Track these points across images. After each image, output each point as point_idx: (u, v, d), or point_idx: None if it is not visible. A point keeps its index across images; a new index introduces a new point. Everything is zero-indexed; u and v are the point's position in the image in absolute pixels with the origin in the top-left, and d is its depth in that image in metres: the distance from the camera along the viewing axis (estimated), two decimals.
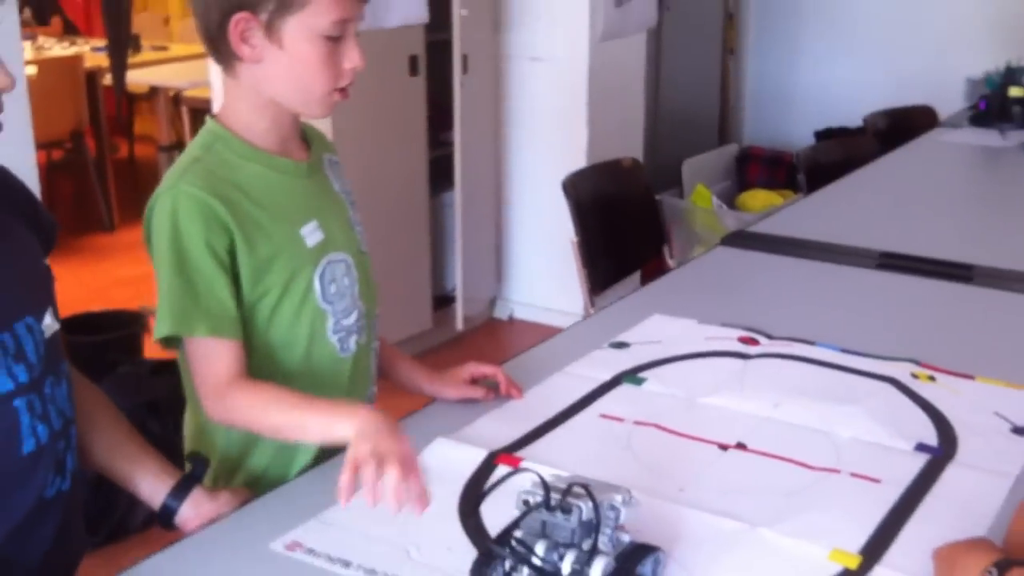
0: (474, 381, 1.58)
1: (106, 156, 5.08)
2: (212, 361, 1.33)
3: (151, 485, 1.33)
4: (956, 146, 3.31)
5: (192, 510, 1.32)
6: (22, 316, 1.18)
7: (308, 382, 1.41)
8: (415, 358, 1.67)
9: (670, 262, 3.13)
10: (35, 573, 1.20)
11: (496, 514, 1.20)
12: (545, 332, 3.93)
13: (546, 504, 1.10)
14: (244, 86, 1.37)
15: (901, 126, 3.55)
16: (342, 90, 1.37)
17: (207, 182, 1.32)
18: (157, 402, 2.65)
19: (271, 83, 1.36)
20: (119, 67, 3.03)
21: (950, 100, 4.33)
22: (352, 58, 1.35)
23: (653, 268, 3.39)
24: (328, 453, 1.41)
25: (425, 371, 1.61)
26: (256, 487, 1.41)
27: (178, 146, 3.98)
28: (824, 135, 4.89)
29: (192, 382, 1.37)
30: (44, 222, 1.30)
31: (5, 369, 1.15)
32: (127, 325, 3.23)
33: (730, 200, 4.63)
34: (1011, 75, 3.41)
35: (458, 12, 3.48)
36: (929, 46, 4.86)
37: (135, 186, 5.93)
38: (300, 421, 1.31)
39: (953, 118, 3.71)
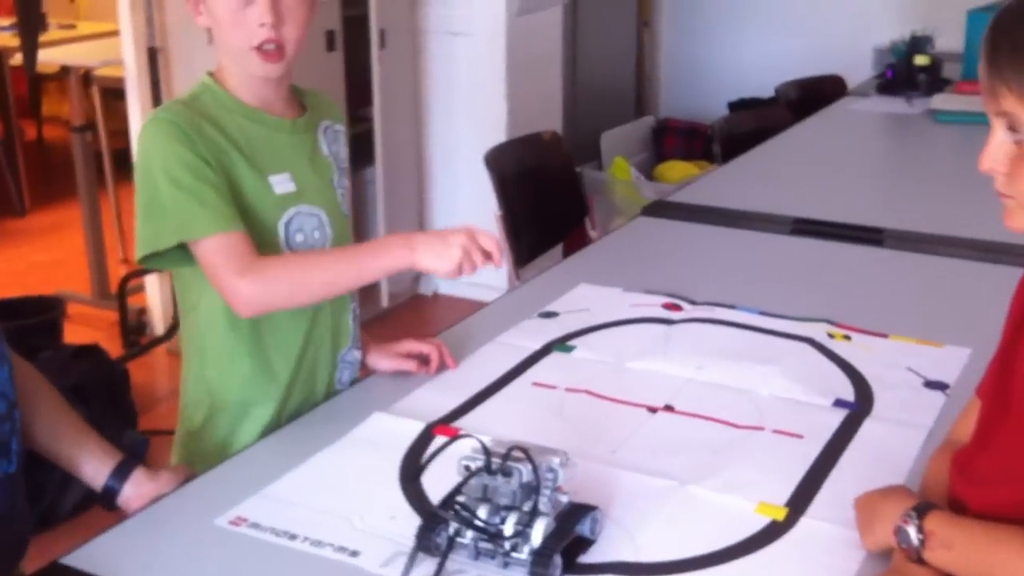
0: (411, 353, 1.61)
1: (15, 139, 4.96)
2: (232, 251, 1.37)
3: (93, 467, 1.33)
4: (865, 114, 3.42)
5: (134, 490, 1.33)
6: None
7: (267, 323, 1.47)
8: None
9: (592, 233, 3.18)
10: None
11: (436, 483, 1.23)
12: (470, 307, 3.93)
13: (487, 468, 1.13)
14: (217, 49, 1.46)
15: (812, 96, 3.64)
16: (262, 50, 1.41)
17: (184, 116, 1.41)
18: (82, 386, 2.62)
19: (217, 44, 1.45)
20: (30, 47, 2.96)
21: (859, 70, 4.44)
22: (259, 14, 1.40)
23: (575, 240, 3.43)
24: (274, 426, 1.46)
25: (371, 343, 1.64)
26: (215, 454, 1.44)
27: (90, 127, 3.89)
28: (737, 106, 4.98)
29: (217, 283, 1.39)
30: None
31: None
32: (45, 310, 3.18)
33: (648, 171, 4.70)
34: (916, 44, 3.52)
35: None
36: (838, 17, 4.98)
37: (46, 169, 5.79)
38: (353, 264, 1.43)
39: (861, 87, 3.82)
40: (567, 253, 3.72)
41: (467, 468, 1.15)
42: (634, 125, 4.95)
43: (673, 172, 4.62)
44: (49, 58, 3.88)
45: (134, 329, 3.55)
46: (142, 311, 3.66)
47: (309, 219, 1.49)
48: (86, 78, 4.01)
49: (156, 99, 3.24)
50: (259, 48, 1.41)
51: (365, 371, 1.63)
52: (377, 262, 1.42)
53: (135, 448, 1.38)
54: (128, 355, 3.36)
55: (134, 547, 1.21)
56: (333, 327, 1.55)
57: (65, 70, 3.91)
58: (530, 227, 2.85)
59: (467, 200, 3.98)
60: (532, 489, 1.14)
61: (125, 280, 3.52)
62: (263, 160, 1.46)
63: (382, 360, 1.62)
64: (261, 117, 1.47)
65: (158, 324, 3.63)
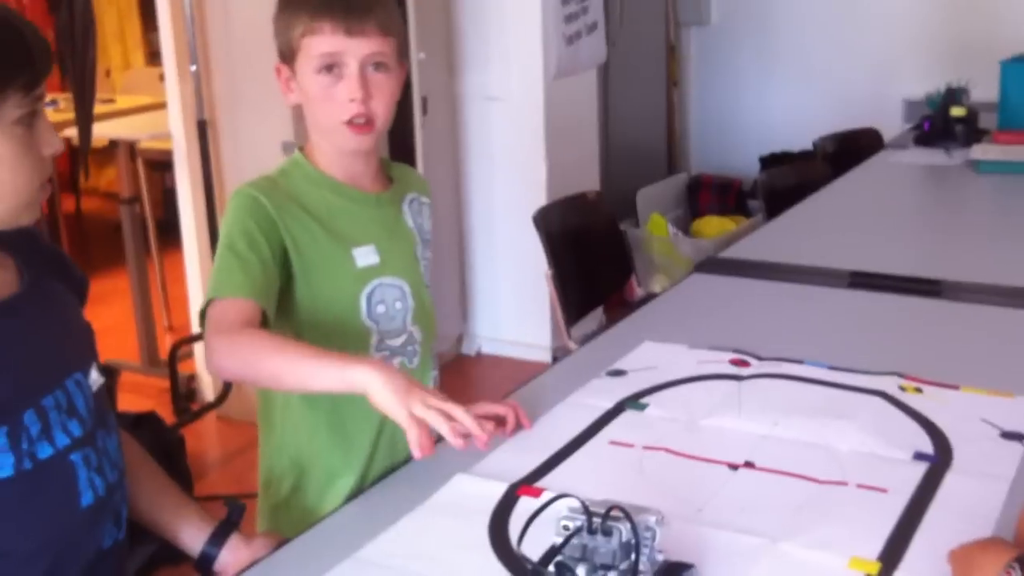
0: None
1: (58, 211, 5.05)
2: (228, 313, 1.38)
3: (191, 534, 1.36)
4: (905, 166, 3.44)
5: (231, 555, 1.34)
6: (71, 373, 1.21)
7: (344, 400, 1.48)
8: None
9: (638, 290, 3.21)
10: None
11: (526, 544, 1.24)
12: (513, 366, 4.01)
13: (587, 527, 1.14)
14: (308, 125, 1.52)
15: (849, 148, 3.68)
16: (353, 124, 1.46)
17: (267, 190, 1.46)
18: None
19: (308, 120, 1.51)
20: (85, 122, 3.03)
21: (889, 121, 4.49)
22: (349, 90, 1.45)
23: (617, 298, 3.46)
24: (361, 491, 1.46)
25: None
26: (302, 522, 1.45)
27: (138, 199, 3.97)
28: (769, 160, 5.02)
29: (205, 337, 1.41)
30: (76, 278, 1.33)
31: (60, 425, 1.17)
32: None
33: (684, 227, 4.73)
34: (952, 96, 3.55)
35: (416, 55, 3.54)
36: (865, 69, 5.04)
37: (83, 240, 5.88)
38: (310, 365, 1.32)
39: (898, 139, 3.85)
40: (609, 311, 3.75)
41: (566, 528, 1.16)
42: (668, 182, 5.00)
43: (710, 227, 4.65)
44: (96, 132, 3.96)
45: (184, 396, 3.59)
46: (191, 378, 3.70)
47: (391, 290, 1.52)
48: (131, 151, 4.09)
49: (205, 171, 3.30)
50: (349, 122, 1.45)
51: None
52: (334, 378, 1.32)
53: (233, 513, 1.40)
54: (180, 422, 3.39)
55: None
56: None
57: (113, 144, 4.00)
58: (577, 285, 2.88)
59: (508, 261, 4.02)
60: (631, 548, 1.15)
61: (176, 347, 3.56)
62: (347, 233, 1.50)
63: None
64: (347, 192, 1.52)
65: (207, 390, 3.66)
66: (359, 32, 1.44)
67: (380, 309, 1.51)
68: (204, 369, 3.70)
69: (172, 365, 3.55)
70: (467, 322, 4.18)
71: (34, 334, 1.19)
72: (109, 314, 4.44)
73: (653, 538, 1.16)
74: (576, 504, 1.17)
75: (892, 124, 4.47)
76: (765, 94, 5.33)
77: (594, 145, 4.25)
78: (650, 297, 2.47)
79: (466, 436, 1.30)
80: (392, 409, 1.26)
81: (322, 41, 1.45)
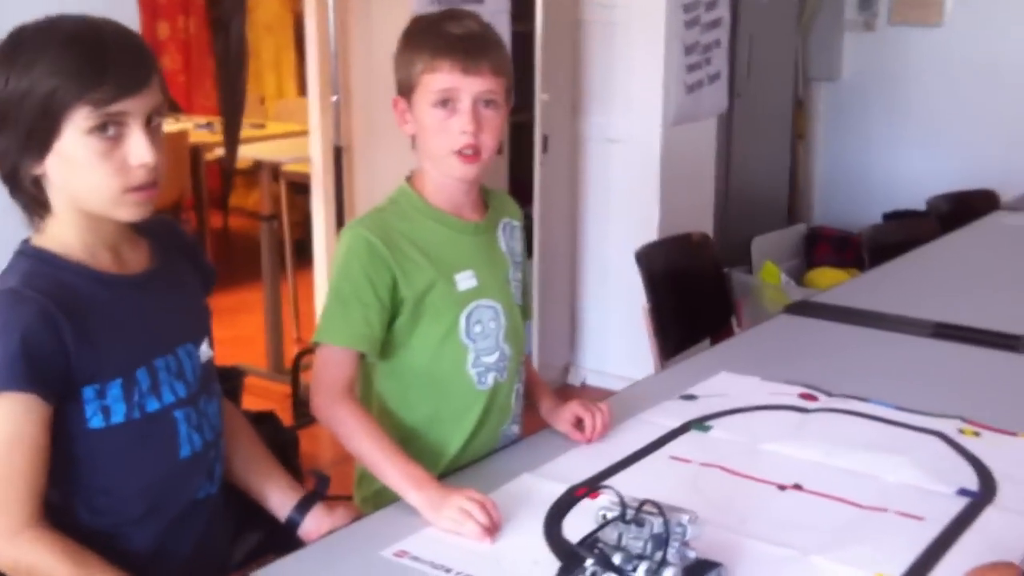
0: (577, 418, 1.77)
1: (206, 228, 5.42)
2: (336, 367, 1.59)
3: (279, 499, 1.54)
4: (1015, 228, 3.44)
5: (313, 523, 1.52)
6: (183, 343, 1.42)
7: (446, 405, 1.67)
8: (546, 386, 1.89)
9: (737, 331, 3.29)
10: (188, 563, 1.41)
11: (575, 535, 1.37)
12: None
13: (622, 517, 1.27)
14: (418, 154, 1.67)
15: (963, 209, 3.69)
16: (462, 154, 1.61)
17: (379, 227, 1.62)
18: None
19: (420, 150, 1.67)
20: (231, 144, 3.32)
21: (1015, 185, 4.45)
22: (462, 123, 1.60)
23: (720, 339, 3.54)
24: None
25: (549, 400, 1.83)
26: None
27: (276, 217, 4.26)
28: (892, 217, 5.02)
29: (312, 383, 1.62)
30: (206, 268, 1.55)
31: (168, 385, 1.38)
32: (228, 379, 3.47)
33: (798, 277, 4.77)
34: None
35: (540, 96, 3.73)
36: (995, 132, 4.99)
37: (228, 255, 6.26)
38: (382, 466, 1.54)
39: (1014, 202, 3.84)
40: None
41: (603, 516, 1.30)
42: (786, 232, 5.04)
43: (823, 278, 4.68)
44: (244, 154, 4.28)
45: (303, 402, 3.83)
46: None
47: (487, 311, 1.68)
48: (274, 173, 4.40)
49: (339, 194, 3.55)
50: (460, 152, 1.61)
51: (535, 422, 1.81)
52: (391, 479, 1.52)
53: (319, 484, 1.58)
54: (298, 424, 3.62)
55: (311, 570, 1.40)
56: (501, 406, 1.73)
57: (257, 165, 4.31)
58: (676, 323, 2.98)
59: (617, 297, 4.15)
60: (662, 540, 1.27)
61: (299, 357, 3.81)
62: (449, 260, 1.65)
63: (558, 423, 1.78)
64: (449, 221, 1.68)
65: None
66: (474, 71, 1.59)
67: (477, 329, 1.67)
68: None
69: (295, 372, 3.80)
70: (574, 353, 4.33)
71: (155, 306, 1.41)
72: (244, 323, 4.76)
73: (684, 534, 1.28)
74: (615, 498, 1.31)
75: (1018, 188, 4.43)
76: (892, 152, 5.33)
77: (709, 191, 4.36)
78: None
79: (491, 530, 1.44)
80: (437, 526, 1.46)
81: (441, 78, 1.60)
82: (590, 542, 1.28)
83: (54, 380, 1.28)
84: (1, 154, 1.30)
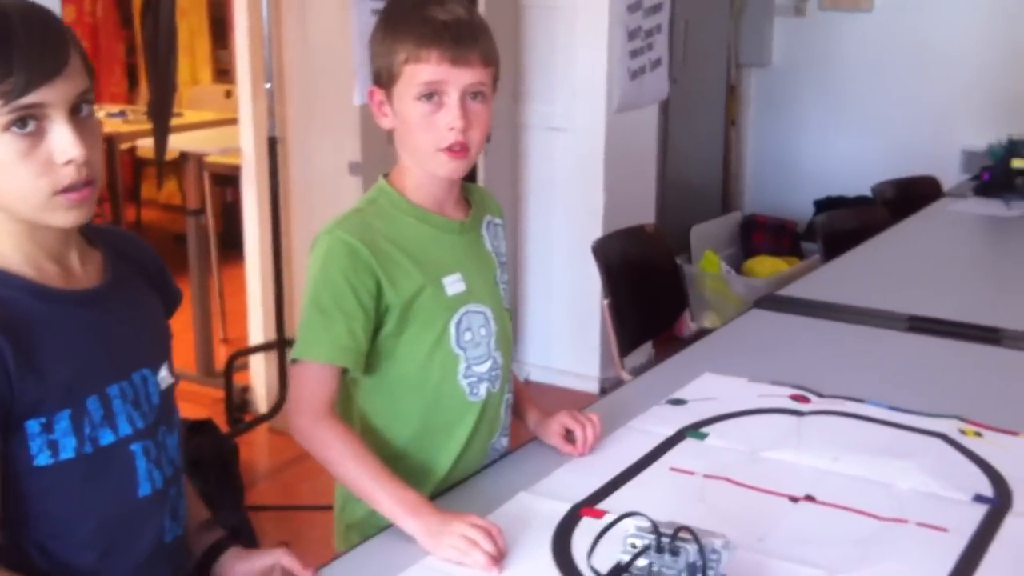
0: (566, 430, 1.66)
1: (120, 222, 5.16)
2: (317, 385, 1.45)
3: (193, 538, 1.39)
4: (963, 215, 3.44)
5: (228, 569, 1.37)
6: (139, 368, 1.26)
7: (436, 419, 1.53)
8: (530, 398, 1.75)
9: (692, 325, 3.22)
10: None
11: (581, 559, 1.27)
12: (561, 394, 4.02)
13: (656, 546, 1.17)
14: (398, 149, 1.53)
15: (908, 196, 3.68)
16: (450, 151, 1.47)
17: (359, 229, 1.47)
18: (199, 460, 2.69)
19: (401, 145, 1.53)
20: (162, 134, 3.12)
21: (946, 170, 4.48)
22: (450, 118, 1.46)
23: (665, 333, 3.47)
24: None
25: (535, 412, 1.71)
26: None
27: (203, 212, 4.06)
28: (824, 204, 5.03)
29: (291, 401, 1.48)
30: (170, 290, 1.39)
31: (124, 415, 1.22)
32: None
33: (736, 266, 4.74)
34: (1013, 147, 3.55)
35: None
36: (925, 119, 5.04)
37: None
38: (373, 492, 1.40)
39: (958, 188, 3.85)
40: (657, 345, 3.77)
41: (633, 545, 1.19)
42: (722, 220, 5.02)
43: (763, 267, 4.66)
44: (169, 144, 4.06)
45: (238, 407, 3.65)
46: (245, 389, 3.76)
47: (477, 317, 1.55)
48: (198, 165, 4.19)
49: (273, 187, 3.38)
50: (448, 149, 1.47)
51: (521, 433, 1.70)
52: (383, 506, 1.39)
53: (240, 529, 1.43)
54: (234, 432, 3.45)
55: None
56: (491, 418, 1.60)
57: (183, 156, 4.09)
58: (632, 317, 2.90)
59: (562, 290, 4.06)
60: (697, 569, 1.17)
61: (232, 359, 3.63)
62: (435, 262, 1.52)
63: (548, 436, 1.67)
64: (433, 220, 1.54)
65: (261, 402, 3.72)
66: (464, 62, 1.45)
67: (467, 336, 1.54)
68: (258, 381, 3.77)
69: (228, 376, 3.61)
70: (518, 348, 4.22)
71: (108, 326, 1.24)
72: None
73: (719, 561, 1.19)
74: (644, 523, 1.20)
75: (950, 173, 4.46)
76: (822, 138, 5.34)
77: (651, 179, 4.29)
78: (704, 332, 2.49)
79: (497, 558, 1.32)
80: (438, 555, 1.33)
81: (426, 69, 1.45)
82: (617, 573, 1.18)
83: None
84: None
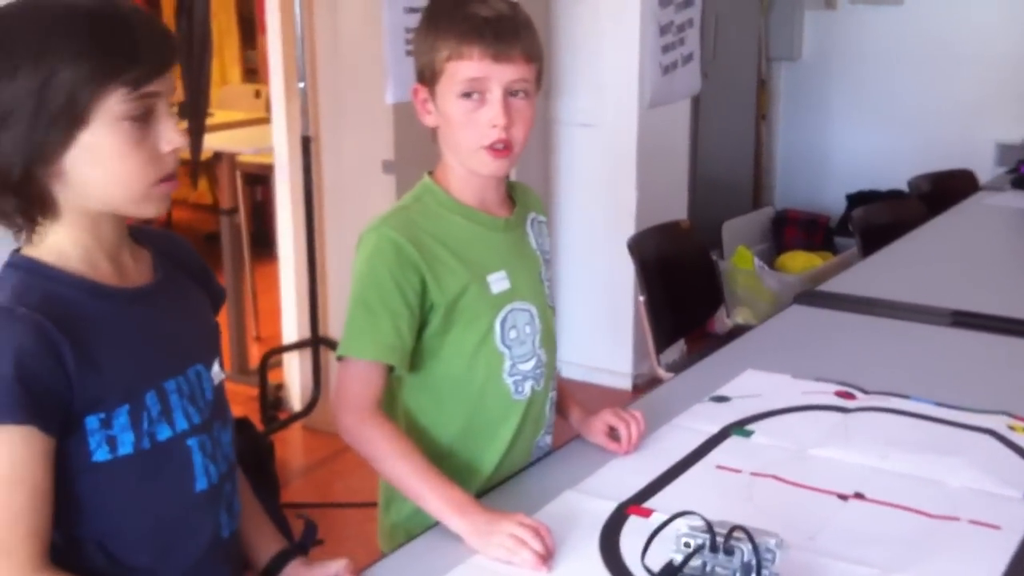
0: (610, 428, 1.65)
1: (152, 221, 5.19)
2: (362, 383, 1.44)
3: (259, 549, 1.39)
4: (1002, 209, 3.41)
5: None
6: (193, 363, 1.26)
7: (481, 418, 1.52)
8: (573, 395, 1.74)
9: (727, 321, 3.20)
10: None
11: (636, 559, 1.26)
12: (593, 391, 4.00)
13: (711, 546, 1.16)
14: (441, 147, 1.52)
15: (943, 189, 3.65)
16: (493, 148, 1.46)
17: (405, 227, 1.46)
18: (237, 459, 2.71)
19: (445, 143, 1.51)
20: (197, 133, 3.13)
21: (981, 164, 4.44)
22: (492, 115, 1.45)
23: (699, 330, 3.45)
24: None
25: (578, 409, 1.70)
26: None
27: (236, 211, 4.07)
28: (856, 198, 4.99)
29: (337, 399, 1.47)
30: (214, 288, 1.39)
31: (181, 410, 1.22)
32: None
33: (769, 261, 4.71)
34: None
35: None
36: (957, 112, 4.99)
37: None
38: (419, 490, 1.40)
39: (994, 181, 3.81)
40: (690, 342, 3.75)
41: (686, 544, 1.18)
42: (754, 215, 4.99)
43: (795, 262, 4.62)
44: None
45: (272, 405, 3.66)
46: (279, 387, 3.77)
47: (522, 315, 1.54)
48: (231, 164, 4.20)
49: (307, 186, 3.38)
50: (490, 147, 1.45)
51: (564, 431, 1.68)
52: (431, 505, 1.39)
53: (305, 535, 1.43)
54: (268, 430, 3.46)
55: None
56: (536, 417, 1.59)
57: (216, 156, 4.11)
58: (667, 313, 2.88)
59: (592, 285, 4.04)
60: (751, 569, 1.16)
61: (266, 357, 3.64)
62: (481, 260, 1.51)
63: (591, 434, 1.66)
64: (479, 217, 1.53)
65: (295, 400, 3.73)
66: (506, 58, 1.44)
67: (512, 334, 1.53)
68: (292, 379, 3.78)
69: (262, 374, 3.63)
70: None
71: (161, 322, 1.25)
72: None
73: (773, 560, 1.17)
74: (698, 522, 1.19)
75: (983, 166, 4.41)
76: (853, 132, 5.30)
77: (683, 175, 4.27)
78: (740, 328, 2.47)
79: (546, 557, 1.31)
80: (486, 554, 1.33)
81: (469, 66, 1.44)
82: (670, 572, 1.17)
83: (55, 409, 1.12)
84: (6, 156, 1.13)
